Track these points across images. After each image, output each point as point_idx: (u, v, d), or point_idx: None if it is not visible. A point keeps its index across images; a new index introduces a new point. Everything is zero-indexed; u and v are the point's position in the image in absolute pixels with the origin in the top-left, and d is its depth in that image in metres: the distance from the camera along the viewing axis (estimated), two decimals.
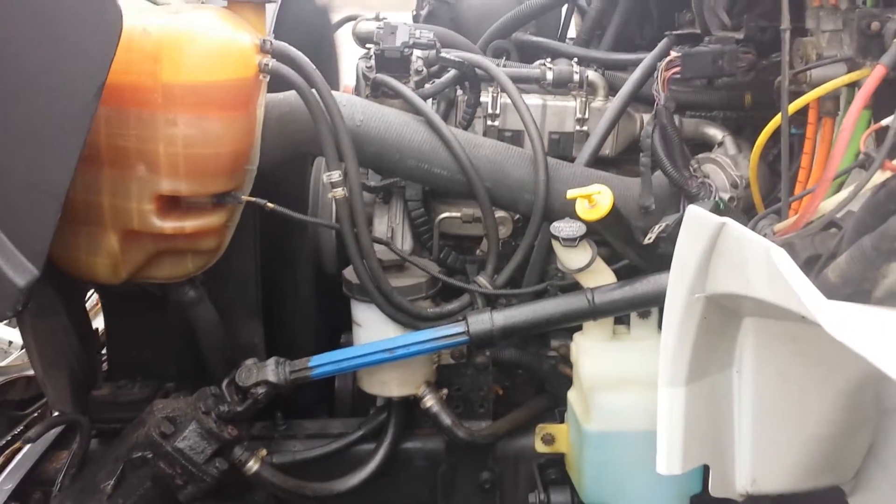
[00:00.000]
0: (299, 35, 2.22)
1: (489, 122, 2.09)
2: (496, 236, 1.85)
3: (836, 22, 1.51)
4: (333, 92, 1.77)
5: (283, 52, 1.60)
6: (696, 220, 1.20)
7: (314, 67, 1.62)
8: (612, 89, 2.21)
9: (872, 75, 1.20)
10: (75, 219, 1.58)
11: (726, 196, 1.84)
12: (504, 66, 2.24)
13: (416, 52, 1.96)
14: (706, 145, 2.07)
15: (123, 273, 1.65)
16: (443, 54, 1.94)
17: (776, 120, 1.51)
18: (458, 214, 2.05)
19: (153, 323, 1.94)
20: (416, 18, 2.97)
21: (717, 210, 1.67)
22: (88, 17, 1.32)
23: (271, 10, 2.03)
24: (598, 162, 2.07)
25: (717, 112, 2.13)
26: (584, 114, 2.10)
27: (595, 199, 1.56)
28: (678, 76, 1.75)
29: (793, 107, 1.43)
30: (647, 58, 2.02)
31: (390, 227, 2.08)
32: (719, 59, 1.72)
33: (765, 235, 1.39)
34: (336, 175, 1.64)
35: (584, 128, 2.10)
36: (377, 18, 2.40)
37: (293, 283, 2.13)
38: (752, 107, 2.02)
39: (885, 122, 1.24)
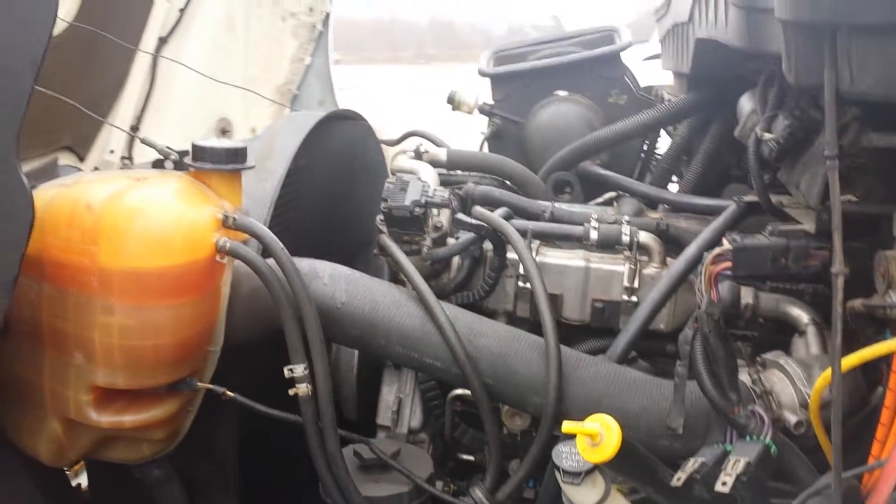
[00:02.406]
0: (335, 159, 2.05)
1: (521, 284, 1.81)
2: (497, 441, 1.55)
3: None
4: (318, 263, 1.56)
5: (247, 228, 1.40)
6: None
7: (281, 246, 1.41)
8: (678, 244, 1.89)
9: None
10: (20, 396, 1.44)
11: (793, 420, 1.45)
12: (552, 212, 1.97)
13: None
14: (787, 327, 1.69)
15: (71, 456, 1.49)
16: (458, 216, 1.69)
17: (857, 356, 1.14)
18: None
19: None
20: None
21: (766, 455, 1.30)
22: None
23: (293, 143, 1.88)
24: (649, 336, 1.74)
25: (807, 285, 1.74)
26: (634, 282, 1.78)
27: (598, 435, 1.24)
28: (728, 273, 1.40)
29: (846, 364, 1.07)
30: (713, 224, 1.69)
31: (398, 398, 1.83)
32: (782, 256, 1.36)
33: None
34: (300, 369, 1.41)
35: (634, 298, 1.78)
36: (418, 153, 2.20)
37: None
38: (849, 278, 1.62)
39: None
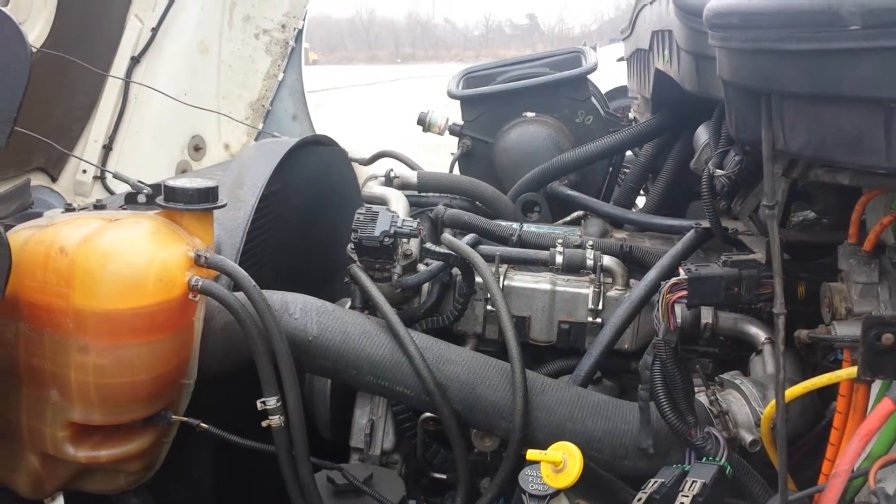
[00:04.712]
0: (306, 185, 2.10)
1: (489, 307, 1.87)
2: (466, 465, 1.60)
3: (871, 274, 1.20)
4: (289, 297, 1.60)
5: (219, 266, 1.44)
6: None
7: (252, 283, 1.44)
8: (642, 265, 1.95)
9: (876, 412, 0.90)
10: None
11: (748, 438, 1.52)
12: (520, 235, 2.03)
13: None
14: (746, 345, 1.76)
15: (49, 489, 1.52)
16: (427, 245, 1.73)
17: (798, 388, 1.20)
18: None
19: None
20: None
21: (721, 475, 1.36)
22: None
23: (264, 173, 1.92)
24: (614, 355, 1.80)
25: (765, 304, 1.81)
26: (598, 305, 1.83)
27: (561, 462, 1.30)
28: (684, 301, 1.46)
29: (790, 394, 1.13)
30: (672, 250, 1.75)
31: (370, 420, 1.87)
32: (735, 285, 1.42)
33: None
34: (272, 401, 1.45)
35: (598, 319, 1.84)
36: (388, 177, 2.24)
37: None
38: (805, 300, 1.69)
39: None
